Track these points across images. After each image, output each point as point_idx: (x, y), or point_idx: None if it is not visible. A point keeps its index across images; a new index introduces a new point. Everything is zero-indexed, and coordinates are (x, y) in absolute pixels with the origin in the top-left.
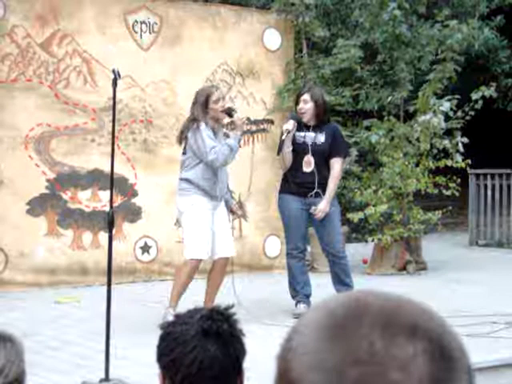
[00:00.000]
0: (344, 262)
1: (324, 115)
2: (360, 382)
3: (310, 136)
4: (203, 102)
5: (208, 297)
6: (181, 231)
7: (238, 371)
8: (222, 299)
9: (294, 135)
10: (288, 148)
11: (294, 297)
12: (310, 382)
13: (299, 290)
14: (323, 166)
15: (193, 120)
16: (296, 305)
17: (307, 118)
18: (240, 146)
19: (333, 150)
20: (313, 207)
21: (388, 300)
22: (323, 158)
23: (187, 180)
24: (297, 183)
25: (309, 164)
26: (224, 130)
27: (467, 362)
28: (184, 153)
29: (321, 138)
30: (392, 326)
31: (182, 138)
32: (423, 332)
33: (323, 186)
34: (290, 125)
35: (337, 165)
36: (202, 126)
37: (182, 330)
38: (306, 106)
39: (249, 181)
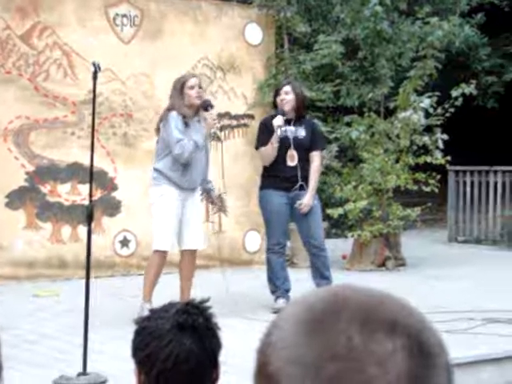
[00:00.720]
0: (325, 254)
1: (303, 109)
2: (337, 377)
3: (290, 130)
4: (179, 88)
5: (182, 290)
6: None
7: (213, 365)
8: (213, 293)
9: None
10: (276, 144)
11: (273, 292)
12: (287, 376)
13: (279, 285)
14: (305, 160)
15: (168, 109)
16: (275, 300)
17: (288, 108)
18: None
19: (312, 143)
20: (297, 202)
21: (367, 295)
22: (304, 152)
23: (157, 170)
24: (281, 177)
25: (292, 158)
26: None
27: (446, 358)
28: (157, 142)
29: (301, 131)
30: (371, 322)
31: (157, 128)
32: (402, 328)
33: (306, 178)
34: (280, 120)
35: (317, 158)
36: (173, 116)
37: (157, 324)
38: (288, 96)
39: (220, 176)
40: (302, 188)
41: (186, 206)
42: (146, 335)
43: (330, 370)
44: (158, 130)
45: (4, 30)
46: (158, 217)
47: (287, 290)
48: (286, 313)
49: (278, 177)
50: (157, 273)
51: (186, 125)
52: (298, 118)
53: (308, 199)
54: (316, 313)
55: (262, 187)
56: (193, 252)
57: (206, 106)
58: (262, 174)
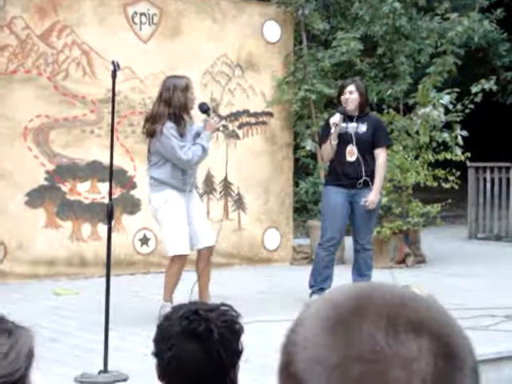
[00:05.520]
0: (368, 253)
1: (365, 106)
2: (362, 379)
3: (352, 126)
4: (183, 90)
5: (201, 288)
6: (158, 227)
7: (225, 371)
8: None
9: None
10: (334, 141)
11: (311, 286)
12: (311, 376)
13: (319, 281)
14: (368, 156)
15: (157, 116)
16: (310, 295)
17: (352, 107)
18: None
19: (376, 140)
20: (363, 199)
21: (393, 295)
22: (367, 148)
23: (157, 179)
24: (343, 173)
25: (352, 153)
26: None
27: (473, 360)
28: (149, 152)
29: (362, 127)
30: (396, 323)
31: (145, 132)
32: (428, 329)
33: (370, 174)
34: (337, 118)
35: (382, 154)
36: (167, 125)
37: (168, 325)
38: (352, 95)
39: (225, 173)
40: (366, 184)
41: (189, 206)
42: (158, 334)
43: (355, 372)
44: (148, 133)
45: (23, 29)
46: (168, 222)
47: (324, 289)
48: (311, 310)
49: (338, 173)
50: (177, 277)
51: (181, 135)
52: (360, 115)
53: (374, 196)
54: (341, 312)
55: (325, 184)
56: (209, 249)
57: (206, 109)
58: (327, 171)
